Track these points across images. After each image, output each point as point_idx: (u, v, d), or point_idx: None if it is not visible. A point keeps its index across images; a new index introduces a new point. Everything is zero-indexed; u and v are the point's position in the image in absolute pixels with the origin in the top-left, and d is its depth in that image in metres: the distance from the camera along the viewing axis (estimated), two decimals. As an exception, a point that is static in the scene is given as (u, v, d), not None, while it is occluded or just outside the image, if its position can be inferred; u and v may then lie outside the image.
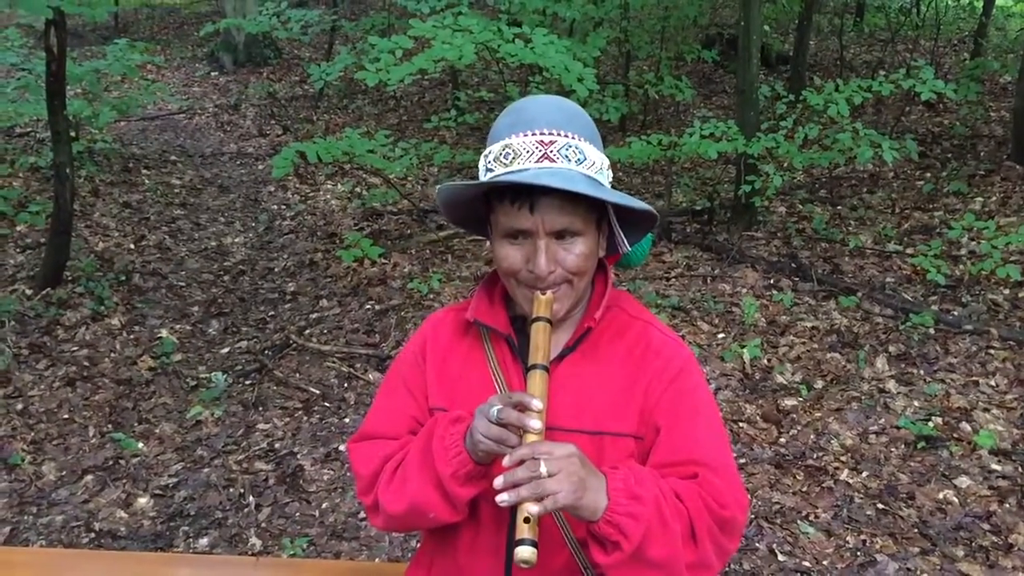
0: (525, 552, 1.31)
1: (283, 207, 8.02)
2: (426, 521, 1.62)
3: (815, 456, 4.03)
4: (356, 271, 6.29)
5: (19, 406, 4.56)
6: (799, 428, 4.24)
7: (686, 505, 1.47)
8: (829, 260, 6.20)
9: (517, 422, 1.40)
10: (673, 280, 6.01)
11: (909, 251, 6.16)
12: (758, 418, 4.34)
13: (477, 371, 1.67)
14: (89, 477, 4.01)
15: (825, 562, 3.37)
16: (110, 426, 4.43)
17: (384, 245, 6.55)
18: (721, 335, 5.19)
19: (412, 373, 1.74)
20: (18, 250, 6.59)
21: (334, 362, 5.02)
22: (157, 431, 4.38)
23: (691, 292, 5.77)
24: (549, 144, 1.50)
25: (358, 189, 8.30)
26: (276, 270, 6.55)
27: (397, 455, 1.65)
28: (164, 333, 5.42)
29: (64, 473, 4.05)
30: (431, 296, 5.77)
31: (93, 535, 3.61)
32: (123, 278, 6.17)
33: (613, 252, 1.71)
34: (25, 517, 3.73)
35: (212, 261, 6.73)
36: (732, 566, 3.35)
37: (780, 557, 3.39)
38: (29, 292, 5.80)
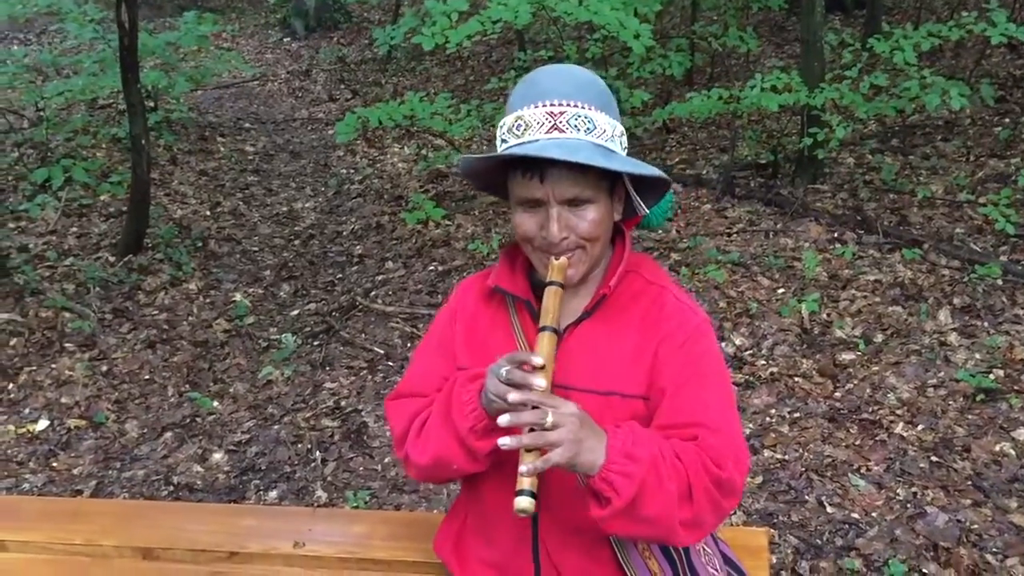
0: (523, 502, 1.39)
1: (351, 171, 8.20)
2: (451, 472, 1.72)
3: (870, 410, 4.03)
4: (420, 233, 6.42)
5: (104, 368, 4.84)
6: (855, 382, 4.24)
7: (684, 465, 1.53)
8: (896, 212, 6.09)
9: (522, 381, 1.48)
10: (735, 235, 5.99)
11: (981, 201, 6.01)
12: (814, 373, 4.35)
13: (501, 334, 1.76)
14: (168, 434, 4.25)
15: (874, 514, 3.39)
16: (187, 386, 4.67)
17: (448, 207, 6.67)
18: (781, 290, 5.18)
19: (444, 336, 1.84)
20: (102, 219, 6.89)
21: (398, 322, 5.18)
22: (231, 390, 4.61)
23: (752, 247, 5.75)
24: (559, 115, 1.57)
25: (423, 151, 8.42)
26: (344, 233, 6.74)
27: (424, 412, 1.76)
28: (238, 297, 5.65)
29: (145, 430, 4.30)
30: (492, 257, 5.88)
31: (171, 488, 3.85)
32: (199, 244, 6.43)
33: (632, 216, 1.78)
34: (109, 472, 3.99)
35: (283, 226, 6.95)
36: (780, 517, 3.41)
37: (829, 509, 3.43)
38: (112, 259, 6.09)
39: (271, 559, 2.44)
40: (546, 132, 1.56)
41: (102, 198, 7.19)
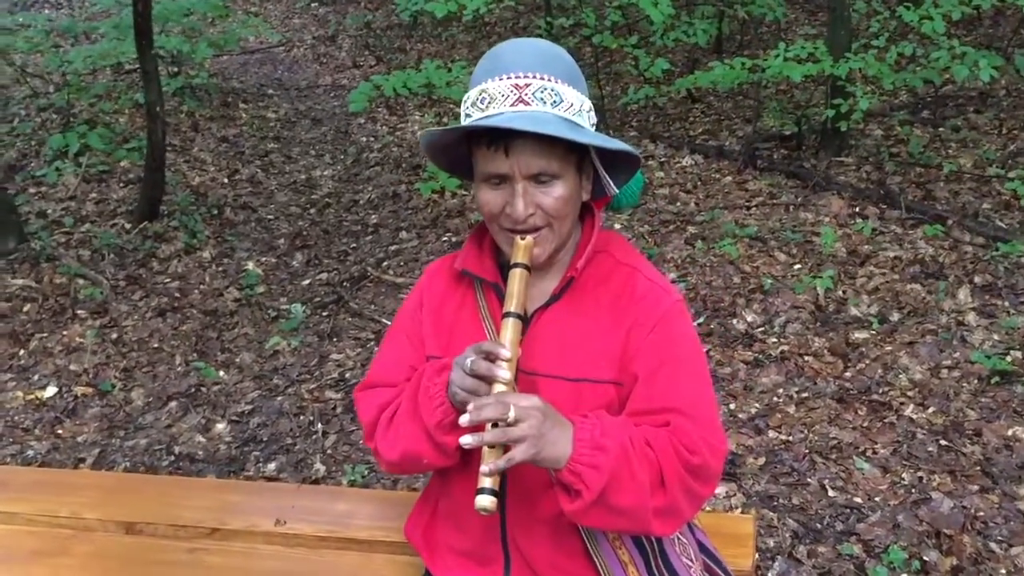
0: (484, 501, 1.37)
1: (371, 139, 8.15)
2: (421, 466, 1.69)
3: (880, 391, 3.94)
4: (436, 203, 6.38)
5: (114, 335, 4.86)
6: (867, 362, 4.14)
7: (656, 452, 1.50)
8: (922, 186, 5.94)
9: (487, 372, 1.45)
10: (754, 209, 5.88)
11: (1011, 175, 5.83)
12: (825, 351, 4.26)
13: (469, 319, 1.71)
14: (173, 403, 4.27)
15: (877, 498, 3.32)
16: (195, 355, 4.68)
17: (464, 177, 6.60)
18: (797, 266, 5.07)
19: (411, 322, 1.79)
20: (120, 185, 6.90)
21: (407, 294, 5.14)
22: (237, 360, 4.61)
23: (771, 221, 5.64)
24: (524, 87, 1.51)
25: (444, 120, 8.35)
26: (360, 202, 6.70)
27: (393, 403, 1.72)
28: (250, 266, 5.65)
29: (151, 399, 4.32)
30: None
31: (172, 458, 3.86)
32: (215, 212, 6.43)
33: (602, 195, 1.72)
34: (113, 440, 4.02)
35: (300, 194, 6.93)
36: (780, 500, 3.35)
37: (831, 492, 3.36)
38: (128, 226, 6.11)
39: (252, 536, 2.43)
40: (511, 105, 1.50)
41: (122, 164, 7.21)
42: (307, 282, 5.46)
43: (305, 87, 9.98)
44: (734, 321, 4.59)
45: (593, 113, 1.60)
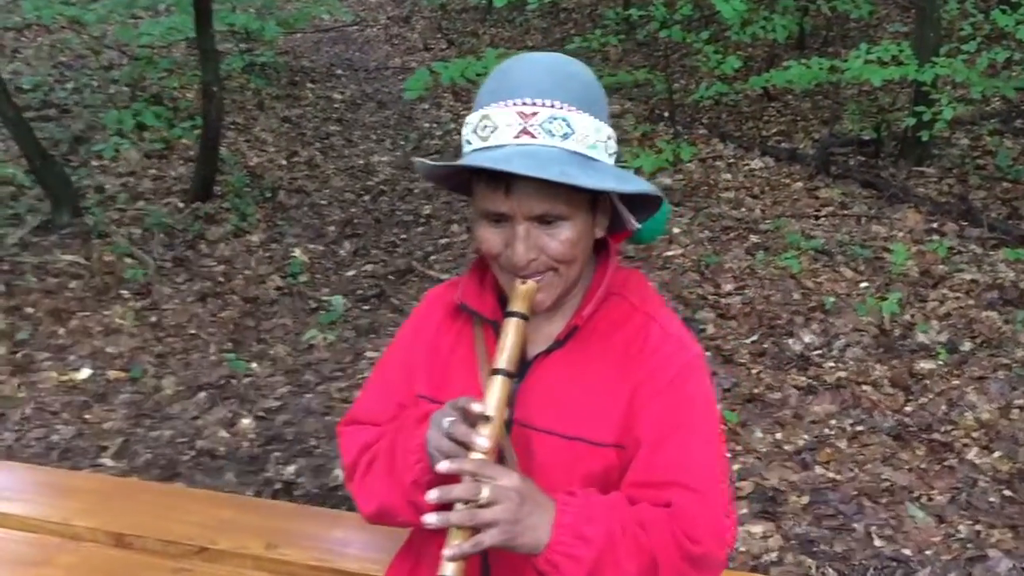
0: None
1: (434, 125, 8.02)
2: (398, 523, 1.54)
3: (942, 429, 3.65)
4: (491, 196, 6.19)
5: (153, 319, 4.81)
6: (930, 396, 3.85)
7: (650, 539, 1.32)
8: (1008, 203, 5.56)
9: (463, 438, 1.29)
10: (823, 219, 5.58)
11: (1107, 196, 5.42)
12: (886, 381, 3.97)
13: (464, 359, 1.54)
14: (202, 394, 4.18)
15: (928, 552, 3.05)
16: (230, 344, 4.59)
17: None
18: (864, 284, 4.77)
19: (404, 353, 1.62)
20: (180, 162, 6.88)
21: (451, 291, 4.99)
22: (272, 352, 4.51)
23: (840, 233, 5.33)
24: (530, 116, 1.31)
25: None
26: (415, 191, 6.57)
27: (374, 447, 1.56)
28: (297, 253, 5.55)
29: (181, 388, 4.24)
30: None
31: (194, 453, 3.77)
32: (269, 195, 6.36)
33: (621, 228, 1.52)
34: (138, 430, 3.95)
35: (356, 180, 6.82)
36: (821, 546, 3.10)
37: (877, 542, 3.10)
38: (181, 205, 6.08)
39: (240, 559, 2.30)
40: (515, 136, 1.31)
41: (183, 141, 7.20)
42: (352, 273, 5.34)
43: (374, 68, 9.89)
44: (790, 341, 4.33)
45: (613, 142, 1.39)
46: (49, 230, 5.72)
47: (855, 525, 3.20)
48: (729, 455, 3.57)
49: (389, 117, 8.32)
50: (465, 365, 1.52)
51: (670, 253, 5.24)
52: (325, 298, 5.01)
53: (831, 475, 3.44)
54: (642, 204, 1.46)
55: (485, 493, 1.22)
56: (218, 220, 5.91)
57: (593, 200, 1.39)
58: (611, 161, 1.38)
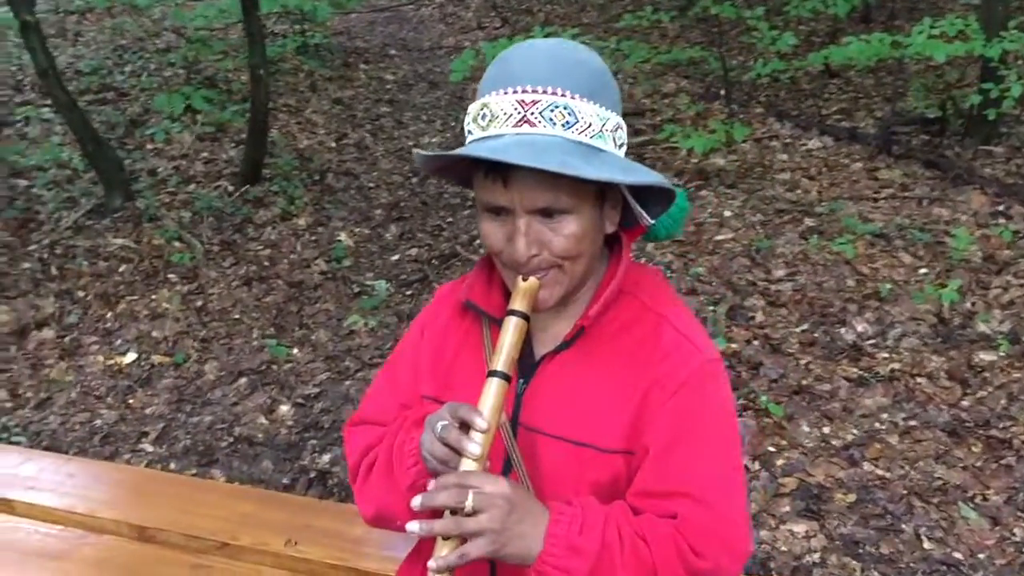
0: None
1: (484, 106, 7.91)
2: (396, 527, 1.49)
3: (1001, 425, 3.48)
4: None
5: (198, 303, 4.84)
6: (989, 390, 3.67)
7: (652, 552, 1.26)
8: (1081, 184, 5.29)
9: (455, 444, 1.23)
10: (882, 201, 5.36)
11: None
12: (942, 374, 3.80)
13: (470, 359, 1.49)
14: (243, 380, 4.19)
15: (981, 555, 2.91)
16: (272, 329, 4.59)
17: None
18: (923, 270, 4.57)
19: (412, 351, 1.58)
20: (232, 145, 6.91)
21: (495, 277, 4.92)
22: (313, 338, 4.50)
23: (900, 217, 5.12)
24: (530, 104, 1.25)
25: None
26: (464, 173, 6.49)
27: (375, 449, 1.51)
28: (342, 236, 5.53)
29: (223, 374, 4.25)
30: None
31: (232, 439, 3.78)
32: (317, 177, 6.35)
33: (635, 223, 1.43)
34: (179, 415, 3.97)
35: (404, 162, 6.77)
36: (867, 547, 2.98)
37: (926, 544, 2.97)
38: (231, 188, 6.10)
39: (260, 555, 2.30)
40: (514, 125, 1.25)
41: (235, 124, 7.23)
42: (396, 257, 5.30)
43: (427, 48, 9.82)
44: (842, 330, 4.17)
45: (622, 131, 1.31)
46: (102, 213, 5.79)
47: (904, 526, 3.06)
48: (773, 449, 3.46)
49: (440, 98, 8.25)
50: (470, 366, 1.47)
51: (720, 237, 5.10)
52: (369, 282, 4.98)
53: (880, 472, 3.30)
54: (656, 198, 1.37)
55: (470, 502, 1.18)
56: (266, 203, 5.92)
57: (600, 193, 1.32)
58: (620, 152, 1.31)
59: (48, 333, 4.60)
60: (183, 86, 7.39)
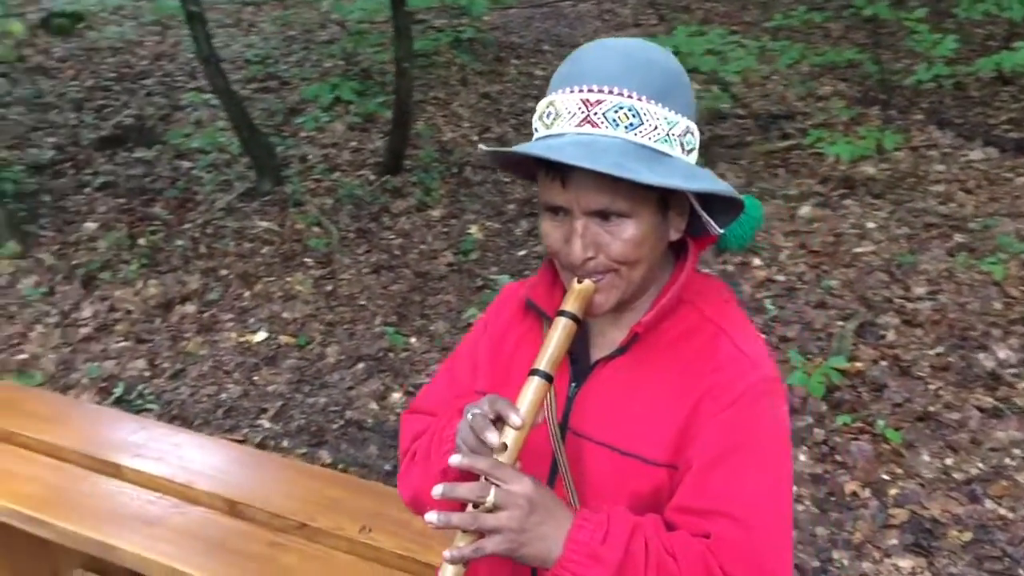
0: None
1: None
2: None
3: None
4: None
5: (329, 287, 5.01)
6: None
7: (679, 570, 1.22)
8: None
9: (478, 431, 1.24)
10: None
11: None
12: (1088, 411, 3.50)
13: (528, 356, 1.47)
14: (360, 365, 4.31)
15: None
16: (394, 317, 4.70)
17: (716, 153, 6.15)
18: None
19: (472, 347, 1.61)
20: (379, 135, 7.11)
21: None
22: (432, 328, 4.58)
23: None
24: (594, 104, 1.24)
25: (711, 88, 7.83)
26: (600, 172, 6.45)
27: (422, 438, 1.54)
28: (473, 230, 5.60)
29: (343, 358, 4.39)
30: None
31: (342, 423, 3.90)
32: (455, 170, 6.45)
33: (704, 232, 1.39)
34: (297, 395, 4.13)
35: (544, 158, 6.78)
36: (977, 593, 2.78)
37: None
38: (372, 178, 6.28)
39: (335, 539, 2.37)
40: (576, 125, 1.24)
41: (384, 115, 7.43)
42: (523, 253, 5.32)
43: (581, 44, 9.77)
44: (980, 356, 3.90)
45: (692, 136, 1.28)
46: (252, 197, 6.08)
47: (1022, 571, 2.84)
48: (887, 477, 3.28)
49: (587, 94, 8.20)
50: (527, 365, 1.45)
51: (859, 249, 4.86)
52: (492, 276, 5.02)
53: (1002, 511, 3.08)
54: (726, 206, 1.33)
55: (491, 497, 1.17)
56: (403, 193, 6.06)
57: (663, 199, 1.28)
58: (689, 158, 1.28)
59: (190, 308, 4.87)
60: (338, 77, 7.66)
